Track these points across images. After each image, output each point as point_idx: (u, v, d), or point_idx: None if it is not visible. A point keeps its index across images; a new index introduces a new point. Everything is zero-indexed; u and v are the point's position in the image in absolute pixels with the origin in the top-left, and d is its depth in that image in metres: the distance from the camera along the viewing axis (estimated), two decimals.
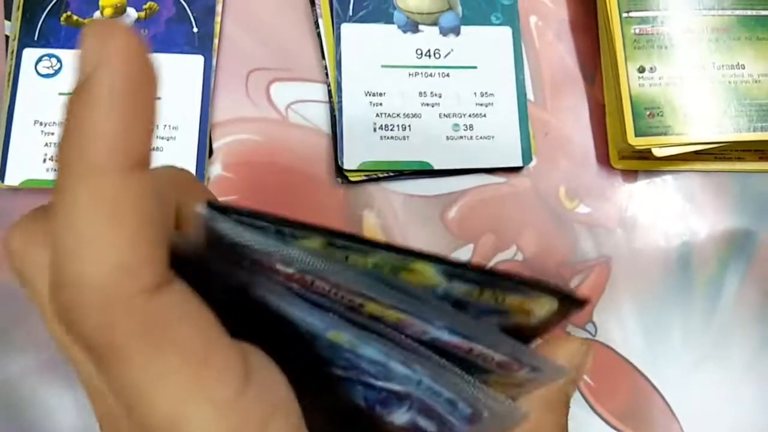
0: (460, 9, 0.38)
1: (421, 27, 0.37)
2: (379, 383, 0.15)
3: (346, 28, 0.37)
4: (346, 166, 0.35)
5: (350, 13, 0.37)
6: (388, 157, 0.35)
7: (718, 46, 0.36)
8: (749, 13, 0.37)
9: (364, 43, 0.37)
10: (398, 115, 0.36)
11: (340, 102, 0.36)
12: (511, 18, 0.38)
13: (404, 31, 0.37)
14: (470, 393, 0.15)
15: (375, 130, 0.35)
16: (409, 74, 0.37)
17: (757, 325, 0.36)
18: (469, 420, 0.15)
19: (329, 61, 0.36)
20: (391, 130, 0.36)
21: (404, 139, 0.36)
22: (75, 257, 0.12)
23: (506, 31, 0.38)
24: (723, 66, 0.36)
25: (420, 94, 0.36)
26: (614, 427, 0.34)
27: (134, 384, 0.13)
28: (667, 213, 0.37)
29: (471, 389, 0.15)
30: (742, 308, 0.36)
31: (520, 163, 0.36)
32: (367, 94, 0.36)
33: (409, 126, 0.36)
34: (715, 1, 0.37)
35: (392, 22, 0.37)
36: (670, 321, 0.35)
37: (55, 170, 0.13)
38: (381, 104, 0.36)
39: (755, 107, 0.35)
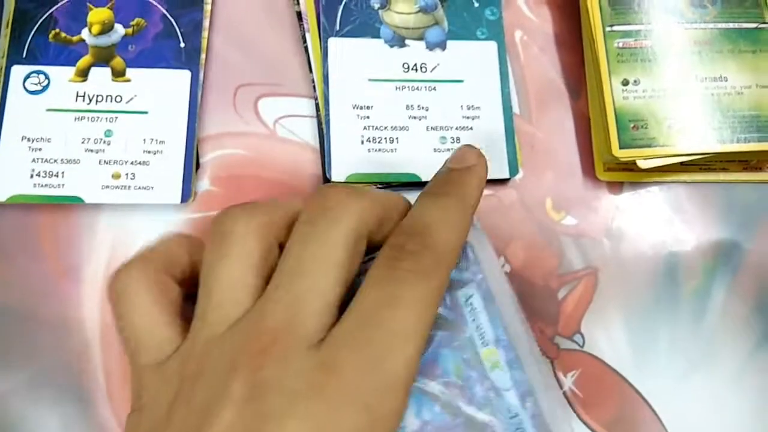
0: (446, 24, 0.38)
1: (407, 41, 0.38)
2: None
3: (333, 43, 0.37)
4: (333, 179, 0.35)
5: (337, 27, 0.37)
6: (376, 170, 0.35)
7: (701, 58, 0.37)
8: (731, 26, 0.37)
9: (351, 58, 0.37)
10: (386, 128, 0.36)
11: (327, 115, 0.36)
12: (496, 33, 0.38)
13: (391, 46, 0.37)
14: None
15: (363, 142, 0.36)
16: (396, 88, 0.37)
17: (744, 335, 0.36)
18: None
19: (317, 76, 0.37)
20: (379, 142, 0.36)
21: (392, 151, 0.36)
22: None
23: (492, 46, 0.38)
24: (706, 78, 0.36)
25: (407, 107, 0.37)
26: None
27: None
28: (653, 224, 0.37)
29: None
30: (729, 318, 0.36)
31: (506, 176, 0.36)
32: (355, 107, 0.36)
33: (397, 139, 0.36)
34: (698, 14, 0.37)
35: (379, 37, 0.37)
36: (658, 331, 0.36)
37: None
38: (368, 117, 0.36)
39: (738, 118, 0.36)
